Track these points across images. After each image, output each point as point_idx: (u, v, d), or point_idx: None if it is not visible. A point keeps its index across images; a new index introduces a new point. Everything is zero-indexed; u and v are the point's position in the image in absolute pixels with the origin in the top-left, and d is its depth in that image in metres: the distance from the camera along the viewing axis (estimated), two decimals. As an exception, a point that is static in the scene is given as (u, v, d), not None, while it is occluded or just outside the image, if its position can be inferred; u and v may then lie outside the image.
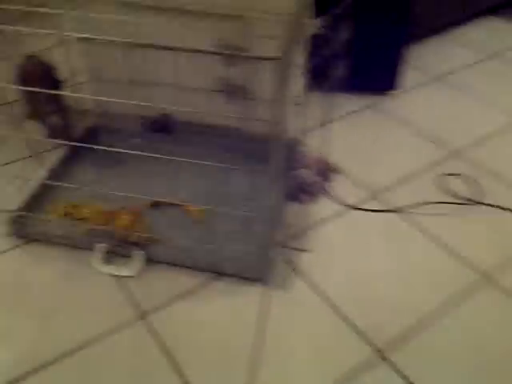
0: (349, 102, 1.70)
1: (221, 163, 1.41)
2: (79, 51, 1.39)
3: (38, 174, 1.31)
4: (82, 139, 1.45)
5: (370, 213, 1.29)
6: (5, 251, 1.15)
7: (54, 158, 1.38)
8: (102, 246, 1.12)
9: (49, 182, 1.23)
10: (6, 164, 1.38)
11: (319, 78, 1.11)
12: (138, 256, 1.11)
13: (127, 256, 1.12)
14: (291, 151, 1.32)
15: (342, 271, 1.14)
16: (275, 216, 1.20)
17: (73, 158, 1.38)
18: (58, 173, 1.32)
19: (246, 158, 1.38)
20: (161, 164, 1.38)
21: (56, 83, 1.38)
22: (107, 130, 1.46)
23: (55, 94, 1.38)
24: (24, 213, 1.14)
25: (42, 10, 1.01)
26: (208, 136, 1.40)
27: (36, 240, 1.17)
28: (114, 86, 1.40)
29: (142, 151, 1.41)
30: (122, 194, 1.12)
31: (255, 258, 1.12)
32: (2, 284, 1.09)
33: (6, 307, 1.04)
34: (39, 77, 1.35)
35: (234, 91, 1.33)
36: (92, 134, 1.46)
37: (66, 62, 1.38)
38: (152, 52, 1.32)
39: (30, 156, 1.42)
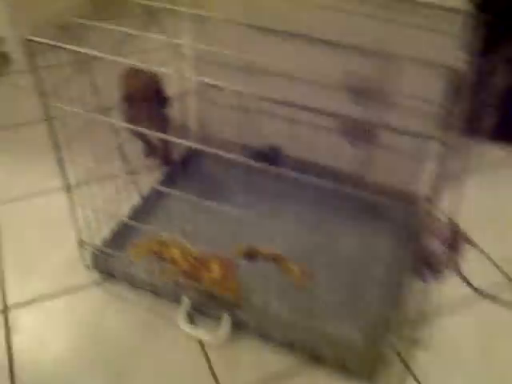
0: (489, 154, 1.43)
1: (329, 213, 1.24)
2: (191, 68, 1.27)
3: (132, 198, 1.22)
4: (182, 162, 1.34)
5: (508, 306, 1.04)
6: (86, 286, 1.05)
7: (151, 178, 1.28)
8: (186, 302, 0.99)
9: (135, 222, 1.12)
10: (104, 179, 1.27)
11: (464, 125, 0.90)
12: (225, 320, 0.96)
13: (214, 316, 0.98)
14: (418, 213, 1.11)
15: (467, 381, 0.91)
16: (392, 293, 1.00)
17: (169, 182, 1.26)
18: (151, 201, 1.21)
19: (360, 211, 1.18)
20: (261, 201, 1.23)
21: (162, 100, 1.27)
22: (209, 156, 1.34)
23: (159, 113, 1.27)
24: (107, 249, 1.04)
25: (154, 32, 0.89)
26: (319, 179, 1.21)
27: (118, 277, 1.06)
28: (222, 110, 1.27)
29: (241, 183, 1.28)
30: (214, 238, 1.00)
31: (362, 346, 0.93)
32: (78, 324, 0.99)
33: (78, 354, 0.94)
34: (145, 92, 1.24)
35: (359, 134, 1.14)
36: (192, 159, 1.34)
37: (176, 78, 1.27)
38: (269, 79, 1.16)
39: (131, 173, 1.33)
